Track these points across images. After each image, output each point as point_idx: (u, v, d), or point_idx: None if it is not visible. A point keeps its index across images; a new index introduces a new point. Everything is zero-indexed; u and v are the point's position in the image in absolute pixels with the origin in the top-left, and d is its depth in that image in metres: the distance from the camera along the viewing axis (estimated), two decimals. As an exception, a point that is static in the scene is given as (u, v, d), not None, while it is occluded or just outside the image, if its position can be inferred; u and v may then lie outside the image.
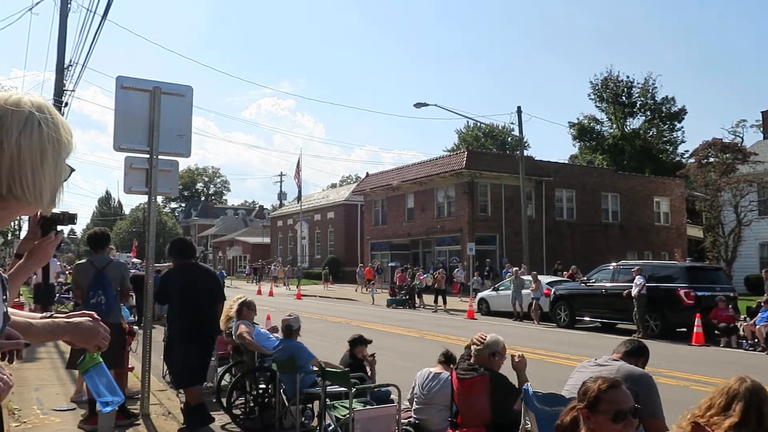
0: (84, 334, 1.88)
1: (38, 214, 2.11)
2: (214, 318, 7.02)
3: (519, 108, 29.74)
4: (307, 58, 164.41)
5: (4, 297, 1.55)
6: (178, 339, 6.69)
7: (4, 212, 1.53)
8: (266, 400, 7.16)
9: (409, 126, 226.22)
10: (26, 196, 1.51)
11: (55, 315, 1.92)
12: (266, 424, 6.92)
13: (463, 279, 31.15)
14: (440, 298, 25.56)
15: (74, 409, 6.96)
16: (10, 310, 1.89)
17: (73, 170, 1.73)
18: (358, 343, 7.55)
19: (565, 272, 26.17)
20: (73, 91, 17.20)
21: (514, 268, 23.39)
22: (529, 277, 21.42)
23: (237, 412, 7.22)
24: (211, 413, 6.74)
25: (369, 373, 7.33)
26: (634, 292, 16.62)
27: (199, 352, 6.75)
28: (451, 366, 5.20)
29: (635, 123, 57.71)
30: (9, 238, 40.42)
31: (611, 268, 19.31)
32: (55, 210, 2.11)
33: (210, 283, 6.98)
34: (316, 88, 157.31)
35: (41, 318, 1.90)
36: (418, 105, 27.47)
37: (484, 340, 4.86)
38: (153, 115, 6.92)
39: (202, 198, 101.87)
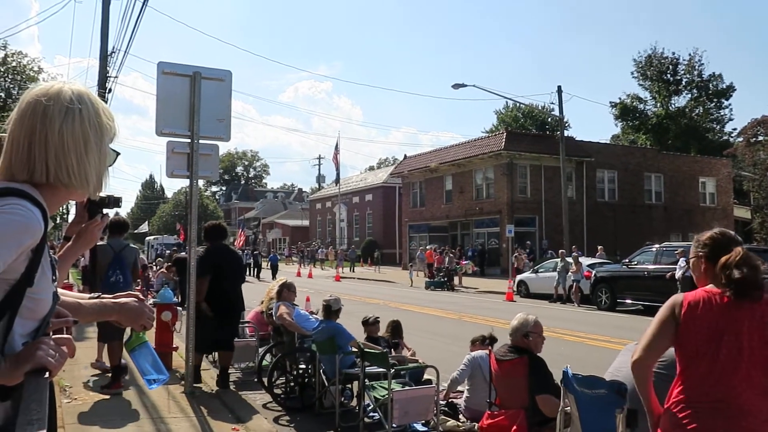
0: (130, 313, 1.93)
1: (85, 198, 2.18)
2: (241, 294, 8.17)
3: (559, 87, 29.24)
4: (343, 41, 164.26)
5: (54, 277, 1.61)
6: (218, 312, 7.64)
7: (54, 198, 1.59)
8: (306, 380, 7.27)
9: (446, 107, 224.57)
10: (73, 183, 1.56)
11: (102, 295, 1.99)
12: (306, 403, 7.03)
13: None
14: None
15: (122, 386, 7.16)
16: (60, 290, 1.96)
17: (118, 154, 1.78)
18: (397, 330, 7.68)
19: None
20: (116, 77, 17.54)
21: (561, 251, 23.08)
22: (570, 260, 21.17)
23: (278, 391, 7.34)
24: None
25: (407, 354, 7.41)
26: (678, 274, 16.30)
27: (231, 324, 7.93)
28: (490, 348, 5.19)
29: (680, 101, 56.21)
30: (58, 221, 41.65)
31: (654, 250, 18.95)
32: (101, 194, 2.17)
33: (238, 264, 8.11)
34: (352, 70, 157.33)
35: (89, 298, 1.96)
36: (456, 86, 27.22)
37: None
38: (193, 100, 7.01)
39: (243, 181, 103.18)
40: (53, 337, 1.52)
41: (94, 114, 1.61)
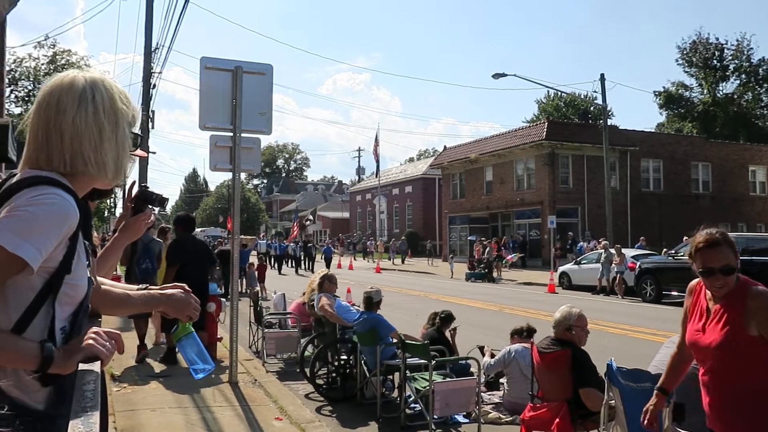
0: (176, 304, 1.98)
1: (131, 192, 2.23)
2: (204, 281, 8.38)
3: (602, 75, 28.67)
4: (382, 32, 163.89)
5: (88, 263, 1.65)
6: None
7: (78, 185, 1.61)
8: (348, 371, 7.32)
9: (486, 97, 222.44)
10: (90, 171, 1.59)
11: (150, 287, 2.04)
12: (348, 394, 7.09)
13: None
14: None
15: (169, 376, 7.34)
16: (109, 282, 2.02)
17: (138, 137, 1.78)
18: (449, 320, 7.65)
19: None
20: (160, 73, 17.88)
21: (603, 242, 22.65)
22: (613, 251, 20.78)
23: (320, 382, 7.42)
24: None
25: (451, 347, 7.40)
26: (727, 265, 15.86)
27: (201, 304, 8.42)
28: (531, 341, 5.16)
29: (728, 88, 54.51)
30: (106, 215, 42.79)
31: (701, 240, 18.45)
32: (153, 190, 2.24)
33: (206, 250, 8.85)
34: (391, 62, 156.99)
35: (137, 290, 2.02)
36: (497, 75, 26.92)
37: None
38: (235, 94, 7.10)
39: (283, 174, 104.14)
40: (104, 329, 1.57)
41: (108, 100, 1.63)
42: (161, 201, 2.33)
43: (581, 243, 29.01)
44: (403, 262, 39.48)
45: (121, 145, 1.65)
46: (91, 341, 1.51)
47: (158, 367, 7.97)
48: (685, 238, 20.53)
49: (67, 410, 1.57)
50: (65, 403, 1.57)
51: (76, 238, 1.55)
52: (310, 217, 72.00)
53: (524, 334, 7.08)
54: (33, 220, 1.43)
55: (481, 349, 7.52)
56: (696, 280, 3.02)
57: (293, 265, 35.35)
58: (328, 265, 32.56)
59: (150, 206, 2.29)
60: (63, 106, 1.57)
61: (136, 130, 1.76)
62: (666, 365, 3.25)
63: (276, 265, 34.06)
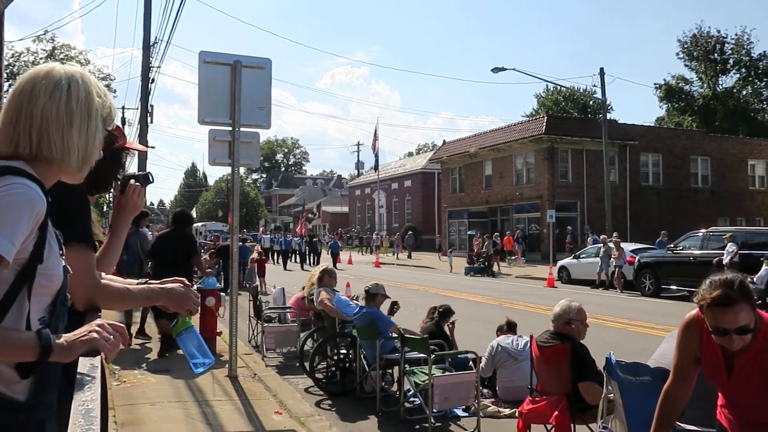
0: (176, 299, 1.98)
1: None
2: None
3: (602, 69, 28.57)
4: (380, 26, 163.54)
5: (61, 252, 1.64)
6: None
7: (41, 173, 1.58)
8: (347, 365, 7.34)
9: (485, 91, 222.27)
10: (53, 155, 1.58)
11: (150, 281, 2.04)
12: (347, 388, 7.11)
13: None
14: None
15: (169, 370, 7.36)
16: (109, 277, 2.02)
17: (113, 136, 1.78)
18: (448, 314, 7.68)
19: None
20: (158, 67, 17.82)
21: (602, 236, 22.67)
22: (612, 245, 20.80)
23: (319, 376, 7.44)
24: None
25: (450, 341, 7.42)
26: (726, 259, 15.88)
27: None
28: (531, 334, 5.17)
29: (728, 81, 54.44)
30: (104, 210, 42.76)
31: (700, 234, 18.49)
32: (129, 172, 2.36)
33: (185, 246, 8.97)
34: (390, 55, 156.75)
35: (137, 284, 2.02)
36: (496, 70, 26.85)
37: None
38: (234, 89, 7.09)
39: (282, 168, 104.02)
40: (109, 322, 1.57)
41: (84, 91, 1.63)
42: (144, 178, 2.43)
43: (593, 236, 28.75)
44: (409, 256, 39.28)
45: (91, 137, 1.64)
46: (95, 334, 1.51)
47: (158, 361, 7.99)
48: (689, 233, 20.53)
49: (50, 398, 1.57)
50: (47, 390, 1.58)
51: (46, 227, 1.54)
52: (315, 211, 72.13)
53: (505, 328, 7.31)
54: (1, 213, 1.41)
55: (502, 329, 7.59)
56: (692, 314, 2.73)
57: (298, 260, 34.83)
58: (335, 261, 32.17)
59: (137, 183, 2.42)
60: (36, 92, 1.58)
61: (112, 126, 1.76)
62: (656, 414, 2.87)
63: (281, 260, 33.61)
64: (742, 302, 2.46)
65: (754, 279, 15.52)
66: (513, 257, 30.36)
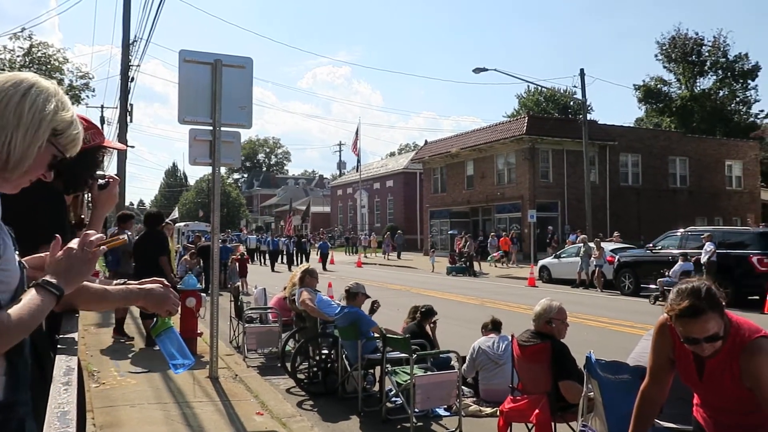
0: (155, 299, 1.96)
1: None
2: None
3: (582, 70, 28.84)
4: (362, 26, 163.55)
5: (15, 247, 1.62)
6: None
7: None
8: (329, 365, 7.32)
9: (467, 92, 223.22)
10: None
11: (128, 282, 2.02)
12: (329, 388, 7.09)
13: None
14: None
15: (148, 371, 7.29)
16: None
17: (63, 154, 1.71)
18: (430, 314, 7.69)
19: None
20: (138, 66, 17.64)
21: (582, 236, 22.86)
22: (592, 244, 20.99)
23: (301, 376, 7.41)
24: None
25: (432, 341, 7.44)
26: (704, 259, 16.09)
27: None
28: (512, 333, 5.19)
29: (706, 83, 55.10)
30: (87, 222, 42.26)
31: (679, 234, 18.72)
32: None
33: (153, 246, 9.12)
34: (372, 55, 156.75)
35: (116, 284, 1.99)
36: (477, 70, 26.97)
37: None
38: (215, 88, 7.04)
39: (264, 168, 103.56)
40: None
41: (41, 100, 1.59)
42: (102, 177, 2.69)
43: (572, 235, 28.96)
44: (399, 257, 39.07)
45: (33, 143, 1.58)
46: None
47: (137, 363, 7.91)
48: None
49: (25, 396, 1.55)
50: (21, 388, 1.55)
51: None
52: (303, 212, 71.89)
53: (489, 326, 7.32)
54: None
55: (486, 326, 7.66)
56: (665, 316, 2.75)
57: (285, 261, 33.92)
58: (324, 262, 31.78)
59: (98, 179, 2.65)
60: None
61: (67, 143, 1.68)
62: (634, 413, 2.93)
63: (269, 262, 32.62)
64: (710, 311, 2.49)
65: (669, 273, 16.18)
66: (498, 259, 30.44)
